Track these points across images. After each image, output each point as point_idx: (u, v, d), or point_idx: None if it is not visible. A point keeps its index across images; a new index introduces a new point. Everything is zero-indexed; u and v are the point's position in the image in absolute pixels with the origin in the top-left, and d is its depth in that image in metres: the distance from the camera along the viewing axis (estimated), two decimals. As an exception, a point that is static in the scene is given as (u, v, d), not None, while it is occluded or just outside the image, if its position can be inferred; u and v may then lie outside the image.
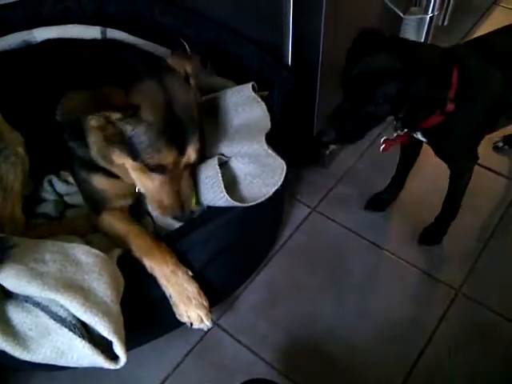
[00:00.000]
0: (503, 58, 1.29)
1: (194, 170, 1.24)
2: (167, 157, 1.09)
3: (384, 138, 1.38)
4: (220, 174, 1.21)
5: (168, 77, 1.11)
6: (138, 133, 1.05)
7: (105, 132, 1.08)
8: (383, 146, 1.39)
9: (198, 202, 1.26)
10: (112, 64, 1.14)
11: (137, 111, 1.04)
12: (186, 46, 1.47)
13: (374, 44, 1.19)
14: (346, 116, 1.21)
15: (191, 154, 1.13)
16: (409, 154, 1.58)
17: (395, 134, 1.36)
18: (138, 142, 1.06)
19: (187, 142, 1.11)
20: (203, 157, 1.26)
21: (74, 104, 0.99)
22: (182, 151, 1.11)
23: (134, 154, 1.08)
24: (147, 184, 1.15)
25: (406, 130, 1.35)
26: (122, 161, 1.12)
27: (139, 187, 1.18)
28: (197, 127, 1.13)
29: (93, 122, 1.06)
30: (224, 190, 1.18)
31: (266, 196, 1.20)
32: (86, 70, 1.16)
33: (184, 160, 1.13)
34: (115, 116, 1.03)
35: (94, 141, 1.13)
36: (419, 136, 1.37)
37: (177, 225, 1.27)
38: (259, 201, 1.20)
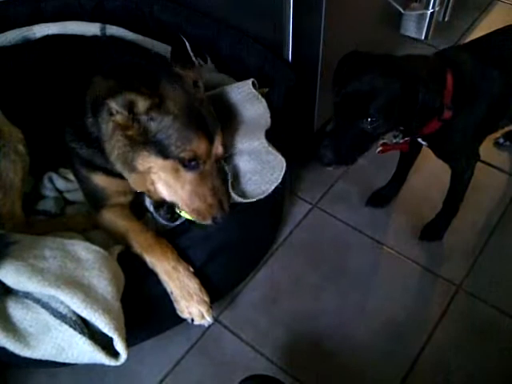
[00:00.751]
0: (500, 60, 1.29)
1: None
2: (200, 145, 1.06)
3: (383, 141, 1.37)
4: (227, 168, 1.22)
5: (181, 79, 1.11)
6: (165, 126, 1.03)
7: (129, 131, 1.04)
8: (380, 148, 1.38)
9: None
10: (117, 70, 1.12)
11: (163, 102, 1.03)
12: (187, 43, 1.48)
13: (361, 62, 1.17)
14: (342, 137, 1.19)
15: (218, 144, 1.11)
16: (409, 152, 1.58)
17: (394, 141, 1.35)
18: (165, 138, 1.03)
19: (213, 131, 1.09)
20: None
21: (103, 86, 0.98)
22: (211, 140, 1.09)
23: (164, 152, 1.04)
24: (180, 188, 1.10)
25: (406, 139, 1.34)
26: (148, 164, 1.07)
27: (171, 197, 1.12)
28: (217, 120, 1.13)
29: (118, 117, 1.02)
30: (230, 186, 1.19)
31: (266, 193, 1.20)
32: (92, 69, 1.16)
33: (213, 151, 1.10)
34: (142, 103, 1.00)
35: (118, 146, 1.08)
36: (419, 140, 1.37)
37: (177, 222, 1.27)
38: (259, 197, 1.20)
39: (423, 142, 1.38)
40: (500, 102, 1.31)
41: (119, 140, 1.08)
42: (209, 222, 1.12)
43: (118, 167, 1.13)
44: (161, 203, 1.24)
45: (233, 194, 1.18)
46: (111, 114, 1.03)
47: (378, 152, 1.38)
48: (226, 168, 1.23)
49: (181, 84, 1.09)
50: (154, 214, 1.29)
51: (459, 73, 1.21)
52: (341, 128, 1.19)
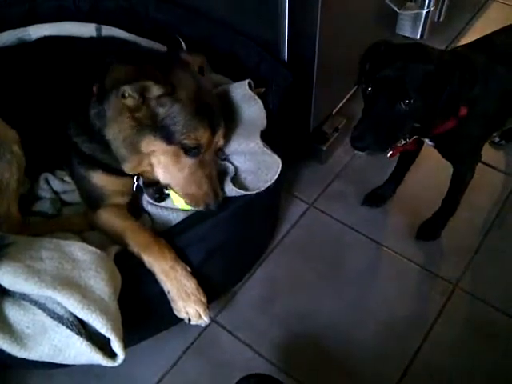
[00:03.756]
0: (507, 57, 1.29)
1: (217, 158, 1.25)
2: (203, 134, 1.10)
3: None
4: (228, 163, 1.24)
5: (189, 67, 1.15)
6: (173, 113, 1.07)
7: (138, 113, 1.08)
8: (390, 152, 1.38)
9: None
10: (131, 57, 1.14)
11: (175, 90, 1.06)
12: (182, 43, 1.48)
13: (394, 49, 1.19)
14: (380, 121, 1.18)
15: (220, 136, 1.15)
16: (409, 153, 1.57)
17: (403, 142, 1.36)
18: (172, 124, 1.07)
19: (216, 123, 1.14)
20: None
21: (121, 72, 1.00)
22: (213, 131, 1.13)
23: (169, 137, 1.09)
24: (178, 172, 1.14)
25: (414, 137, 1.34)
26: (152, 148, 1.11)
27: (166, 180, 1.17)
28: (221, 112, 1.16)
29: (129, 100, 1.06)
30: (229, 179, 1.21)
31: (257, 190, 1.21)
32: (89, 68, 1.17)
33: (215, 142, 1.15)
34: (156, 91, 1.04)
35: (124, 128, 1.11)
36: (427, 141, 1.38)
37: (174, 222, 1.26)
38: (249, 193, 1.21)
39: (430, 143, 1.38)
40: (508, 99, 1.32)
41: (126, 122, 1.10)
42: (201, 208, 1.18)
43: (122, 151, 1.14)
44: (151, 183, 1.26)
45: (232, 186, 1.19)
46: (123, 97, 1.06)
47: (389, 156, 1.39)
48: (228, 164, 1.25)
49: (190, 72, 1.14)
50: (144, 191, 1.31)
51: (472, 71, 1.22)
52: (379, 112, 1.18)
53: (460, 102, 1.21)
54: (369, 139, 1.18)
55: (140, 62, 1.07)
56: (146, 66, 1.04)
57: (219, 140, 1.16)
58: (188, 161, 1.13)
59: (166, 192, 1.26)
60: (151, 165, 1.16)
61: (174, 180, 1.16)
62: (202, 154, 1.13)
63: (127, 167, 1.19)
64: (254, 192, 1.21)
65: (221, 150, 1.24)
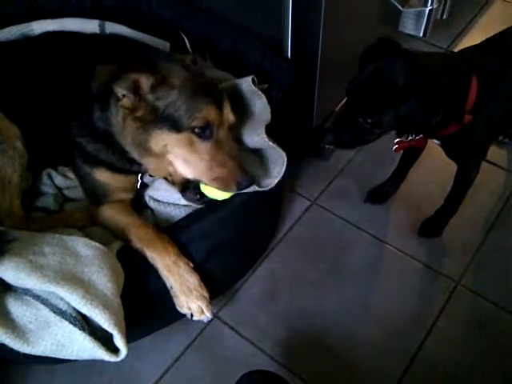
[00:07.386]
0: None
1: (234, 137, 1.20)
2: (210, 110, 1.07)
3: (397, 139, 1.38)
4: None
5: (178, 60, 1.14)
6: (173, 100, 1.05)
7: (138, 112, 1.06)
8: (396, 146, 1.38)
9: None
10: (126, 56, 1.15)
11: (166, 79, 1.05)
12: (186, 40, 1.48)
13: (384, 54, 1.18)
14: (345, 124, 1.22)
15: (228, 111, 1.12)
16: (412, 150, 1.57)
17: (409, 138, 1.36)
18: (175, 111, 1.05)
19: (220, 99, 1.11)
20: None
21: (105, 71, 0.99)
22: (220, 107, 1.10)
23: (176, 125, 1.06)
24: (198, 162, 1.09)
25: (421, 136, 1.35)
26: (163, 142, 1.08)
27: (190, 173, 1.12)
28: (222, 91, 1.14)
29: (125, 101, 1.05)
30: None
31: (269, 187, 1.20)
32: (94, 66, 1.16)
33: (225, 118, 1.11)
34: (146, 82, 1.03)
35: (130, 131, 1.10)
36: (433, 139, 1.38)
37: (177, 218, 1.26)
38: (261, 189, 1.19)
39: (436, 141, 1.38)
40: None
41: (131, 125, 1.09)
42: (233, 188, 1.11)
43: (136, 155, 1.15)
44: (186, 185, 1.24)
45: None
46: (118, 100, 1.06)
47: (395, 150, 1.39)
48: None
49: (180, 63, 1.12)
50: (182, 198, 1.26)
51: (483, 78, 1.21)
52: (346, 117, 1.21)
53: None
54: (329, 138, 1.24)
55: (125, 60, 1.06)
56: (130, 64, 1.03)
57: (228, 115, 1.12)
58: (204, 146, 1.09)
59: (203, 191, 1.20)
60: (171, 164, 1.13)
61: (197, 170, 1.11)
62: (215, 133, 1.09)
63: (151, 171, 1.20)
64: (267, 188, 1.20)
65: (233, 125, 1.17)
